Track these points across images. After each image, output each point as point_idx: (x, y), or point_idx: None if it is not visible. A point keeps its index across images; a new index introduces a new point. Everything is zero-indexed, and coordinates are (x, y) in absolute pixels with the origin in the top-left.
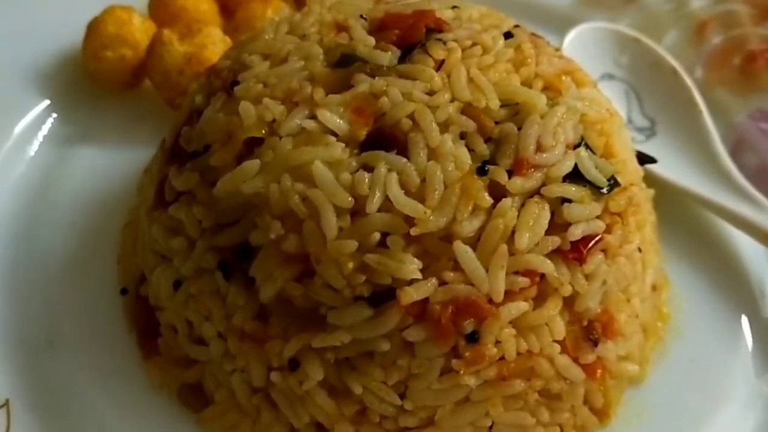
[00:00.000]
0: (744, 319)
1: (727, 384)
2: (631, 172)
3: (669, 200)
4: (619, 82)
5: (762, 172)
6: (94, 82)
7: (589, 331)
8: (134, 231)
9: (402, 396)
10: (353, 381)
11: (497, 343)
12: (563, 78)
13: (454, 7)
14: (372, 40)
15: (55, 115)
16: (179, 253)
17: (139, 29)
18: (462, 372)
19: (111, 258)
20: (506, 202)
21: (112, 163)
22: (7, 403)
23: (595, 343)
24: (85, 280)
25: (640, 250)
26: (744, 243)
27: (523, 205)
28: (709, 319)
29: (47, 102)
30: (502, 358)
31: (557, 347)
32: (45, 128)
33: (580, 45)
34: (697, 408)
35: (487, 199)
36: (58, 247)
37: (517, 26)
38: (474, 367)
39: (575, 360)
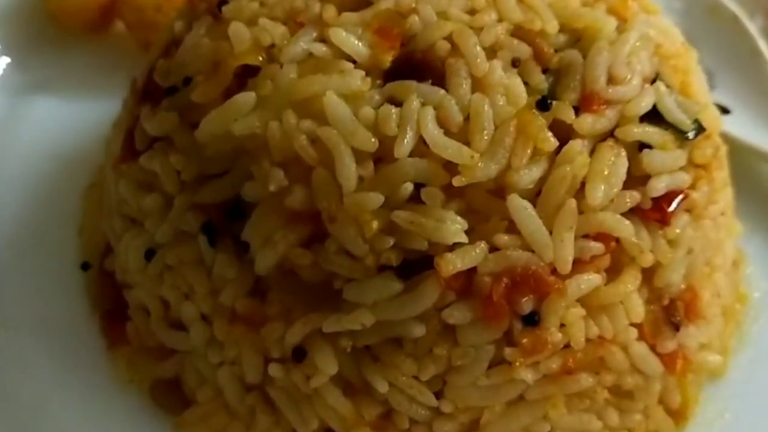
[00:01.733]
0: None
1: None
2: (711, 119)
3: (736, 161)
4: None
5: None
6: (55, 22)
7: (671, 312)
8: (99, 194)
9: (439, 395)
10: (376, 376)
11: (562, 326)
12: (630, 3)
13: None
14: None
15: (8, 60)
16: (153, 214)
17: None
18: (517, 364)
19: (71, 227)
20: (575, 144)
21: (75, 117)
22: None
23: (677, 328)
24: (41, 253)
25: (723, 214)
26: None
27: (594, 149)
28: None
29: None
30: (568, 345)
31: (634, 332)
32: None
33: None
34: None
35: (552, 141)
36: (10, 214)
37: None
38: (532, 358)
39: (653, 348)
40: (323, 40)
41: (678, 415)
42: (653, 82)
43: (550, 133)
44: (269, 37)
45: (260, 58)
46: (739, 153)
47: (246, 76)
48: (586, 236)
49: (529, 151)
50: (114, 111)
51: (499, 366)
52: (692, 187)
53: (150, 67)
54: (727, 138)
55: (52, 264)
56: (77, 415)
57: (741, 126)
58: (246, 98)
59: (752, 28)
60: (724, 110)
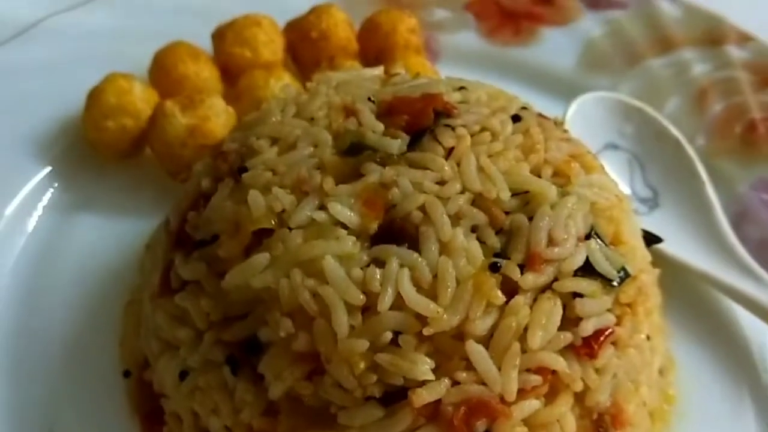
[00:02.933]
0: (748, 398)
1: None
2: (639, 259)
3: (673, 276)
4: (623, 151)
5: (765, 245)
6: (96, 151)
7: (599, 424)
8: (136, 311)
9: None
10: None
11: None
12: (572, 164)
13: (461, 88)
14: (381, 126)
15: (56, 184)
16: (186, 343)
17: (140, 98)
18: None
19: (113, 337)
20: (519, 299)
21: (113, 233)
22: None
23: None
24: (87, 361)
25: (648, 338)
26: (748, 320)
27: (535, 300)
28: (715, 399)
29: (48, 170)
30: None
31: None
32: (46, 198)
33: (584, 114)
34: None
35: (500, 297)
36: (58, 325)
37: (524, 108)
38: None
39: None
40: (323, 207)
41: None
42: (588, 237)
43: (499, 292)
44: (280, 204)
45: (273, 222)
46: (676, 269)
47: (262, 236)
48: (528, 370)
49: (483, 305)
50: (145, 228)
51: None
52: (618, 323)
53: (181, 214)
54: (664, 257)
55: (98, 371)
56: None
57: (679, 245)
58: (262, 258)
59: (692, 150)
60: (658, 239)
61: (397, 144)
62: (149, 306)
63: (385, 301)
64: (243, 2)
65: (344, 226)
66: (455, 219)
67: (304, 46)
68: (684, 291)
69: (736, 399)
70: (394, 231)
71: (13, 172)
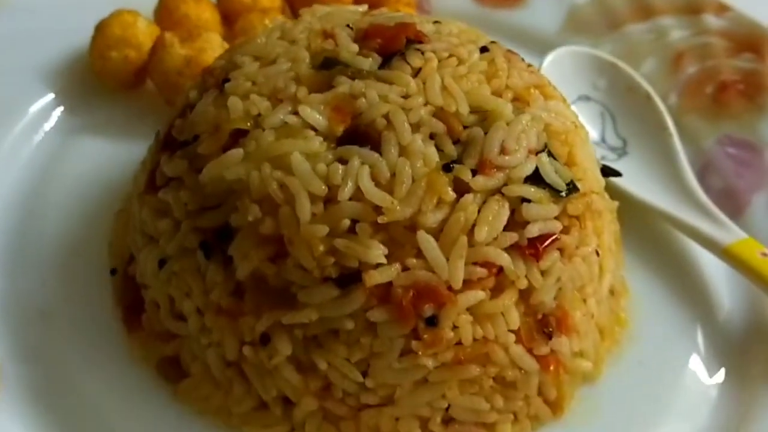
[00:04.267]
0: (698, 328)
1: (677, 387)
2: (591, 181)
3: (635, 214)
4: (595, 103)
5: (726, 193)
6: (100, 80)
7: (544, 325)
8: (126, 216)
9: (364, 374)
10: (319, 357)
11: (455, 328)
12: (532, 91)
13: (435, 21)
14: (356, 48)
15: (62, 108)
16: (165, 233)
17: (144, 32)
18: (420, 353)
19: (104, 241)
20: (468, 197)
21: (112, 155)
22: None
23: (549, 337)
24: (79, 261)
25: (597, 254)
26: (702, 256)
27: (485, 202)
28: (665, 326)
29: (53, 95)
30: (459, 343)
31: (512, 336)
32: (52, 120)
33: (559, 66)
34: (648, 410)
35: (451, 194)
36: (56, 230)
37: (493, 42)
38: (432, 350)
39: (529, 351)
40: (296, 112)
41: (555, 405)
42: (540, 152)
43: (450, 189)
44: (257, 109)
45: (249, 124)
46: (638, 207)
47: (238, 136)
48: (475, 263)
49: (435, 201)
50: (142, 152)
51: (407, 355)
52: (565, 232)
53: (170, 123)
54: (627, 195)
55: (88, 270)
56: (100, 385)
57: (643, 186)
58: (236, 153)
59: (663, 106)
60: (616, 173)
61: (368, 62)
62: (136, 204)
63: (345, 191)
64: None
65: (313, 129)
66: (415, 127)
67: None
68: (643, 227)
69: (686, 327)
70: (359, 135)
71: (22, 95)
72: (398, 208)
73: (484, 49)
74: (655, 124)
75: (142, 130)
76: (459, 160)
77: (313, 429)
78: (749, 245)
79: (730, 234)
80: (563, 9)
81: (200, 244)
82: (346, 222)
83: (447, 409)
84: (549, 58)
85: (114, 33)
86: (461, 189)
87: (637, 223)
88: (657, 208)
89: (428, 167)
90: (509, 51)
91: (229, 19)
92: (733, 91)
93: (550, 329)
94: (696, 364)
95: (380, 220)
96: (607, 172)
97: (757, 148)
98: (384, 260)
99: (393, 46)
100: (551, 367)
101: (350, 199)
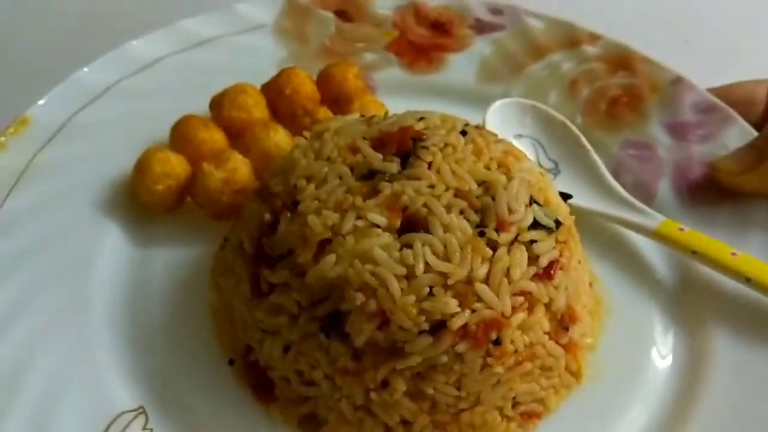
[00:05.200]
0: (648, 293)
1: (645, 347)
2: (563, 211)
3: (582, 219)
4: (527, 138)
5: (637, 186)
6: (148, 209)
7: (562, 322)
8: (225, 315)
9: (458, 389)
10: (425, 386)
11: (512, 342)
12: (509, 158)
13: (421, 118)
14: (379, 156)
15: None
16: (285, 326)
17: (177, 164)
18: (493, 365)
19: (202, 340)
20: (500, 251)
21: (177, 263)
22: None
23: (567, 329)
24: (184, 360)
25: (579, 261)
26: (637, 239)
27: (509, 251)
28: (626, 297)
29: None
30: (516, 350)
31: (546, 337)
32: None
33: (497, 116)
34: (631, 364)
35: (489, 251)
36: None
37: (467, 124)
38: (500, 360)
39: (557, 342)
40: (360, 217)
41: (576, 374)
42: (530, 204)
43: (487, 248)
44: (331, 221)
45: (329, 234)
46: (581, 213)
47: (324, 245)
48: (515, 294)
49: (480, 259)
50: (197, 255)
51: (485, 368)
52: (561, 255)
53: (254, 242)
54: (573, 208)
55: (198, 365)
56: None
57: (579, 195)
58: (331, 258)
59: (574, 128)
60: (568, 196)
61: (395, 166)
62: (244, 308)
63: (419, 267)
64: (223, 77)
65: (378, 227)
66: (447, 208)
67: (281, 103)
68: (588, 227)
69: (640, 294)
70: (412, 223)
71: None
72: (458, 270)
73: (464, 132)
74: (574, 144)
75: (190, 239)
76: (482, 224)
77: None
78: (670, 225)
79: (654, 219)
80: (475, 63)
81: (320, 328)
82: (426, 289)
83: (514, 397)
84: (488, 114)
85: (155, 170)
86: (492, 245)
87: (586, 225)
88: (594, 210)
89: (466, 236)
90: (477, 127)
91: (231, 135)
92: (621, 104)
93: (566, 324)
94: (654, 318)
95: (449, 282)
96: (563, 196)
97: (650, 145)
98: (458, 309)
99: (404, 147)
100: (571, 350)
101: (424, 272)
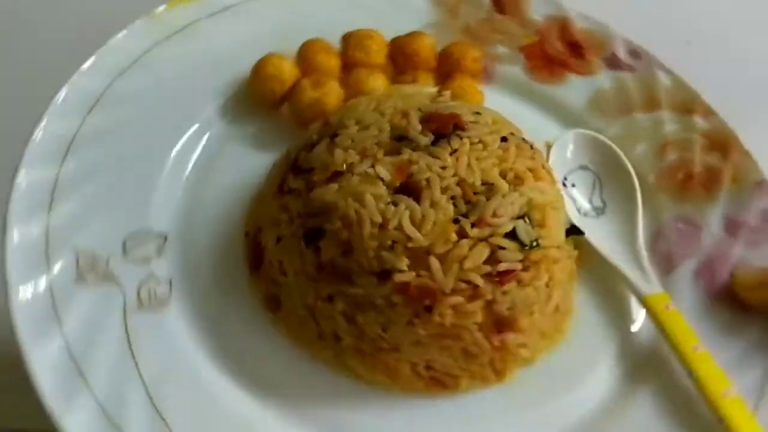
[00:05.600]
0: (615, 341)
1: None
2: (555, 238)
3: (594, 259)
4: (590, 172)
5: (666, 256)
6: (254, 102)
7: (498, 324)
8: (259, 199)
9: (384, 330)
10: (359, 315)
11: (440, 315)
12: (528, 173)
13: (477, 113)
14: (419, 127)
15: (225, 118)
16: (284, 223)
17: (288, 72)
18: (417, 326)
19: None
20: (464, 241)
21: (256, 153)
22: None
23: (501, 332)
24: (227, 228)
25: (547, 285)
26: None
27: (475, 245)
28: (592, 335)
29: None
30: (442, 324)
31: (475, 327)
32: (216, 127)
33: (574, 141)
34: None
35: (454, 237)
36: (213, 211)
37: (512, 133)
38: (424, 326)
39: (487, 338)
40: (373, 166)
41: (499, 373)
42: (520, 218)
43: (454, 234)
44: (351, 159)
45: (344, 167)
46: (596, 257)
47: (337, 174)
48: (461, 280)
49: (443, 239)
50: (273, 156)
51: (410, 325)
52: (524, 270)
53: (297, 151)
54: (590, 246)
55: (231, 232)
56: (228, 299)
57: (604, 241)
58: (333, 186)
59: (638, 183)
60: (580, 232)
61: (425, 140)
62: (269, 198)
63: (391, 223)
64: (366, 20)
65: (381, 180)
66: (444, 189)
67: (400, 58)
68: (598, 270)
69: (607, 337)
70: (409, 188)
71: (195, 107)
72: (422, 239)
73: (504, 139)
74: (628, 196)
75: (277, 139)
76: (465, 215)
77: (347, 357)
78: (662, 298)
79: (652, 287)
80: (590, 91)
81: (303, 234)
82: (389, 242)
83: (429, 360)
84: (564, 136)
85: (267, 71)
86: (462, 234)
87: (595, 265)
88: (606, 256)
89: (445, 217)
90: (523, 140)
91: (346, 67)
92: (696, 181)
93: (503, 328)
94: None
95: (409, 245)
96: (573, 230)
97: (699, 227)
98: (406, 269)
99: (443, 129)
100: (501, 351)
101: (394, 229)
